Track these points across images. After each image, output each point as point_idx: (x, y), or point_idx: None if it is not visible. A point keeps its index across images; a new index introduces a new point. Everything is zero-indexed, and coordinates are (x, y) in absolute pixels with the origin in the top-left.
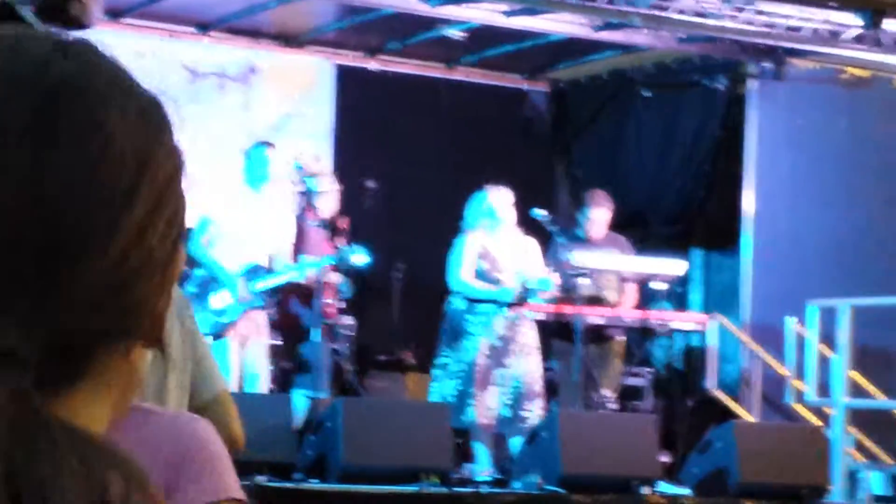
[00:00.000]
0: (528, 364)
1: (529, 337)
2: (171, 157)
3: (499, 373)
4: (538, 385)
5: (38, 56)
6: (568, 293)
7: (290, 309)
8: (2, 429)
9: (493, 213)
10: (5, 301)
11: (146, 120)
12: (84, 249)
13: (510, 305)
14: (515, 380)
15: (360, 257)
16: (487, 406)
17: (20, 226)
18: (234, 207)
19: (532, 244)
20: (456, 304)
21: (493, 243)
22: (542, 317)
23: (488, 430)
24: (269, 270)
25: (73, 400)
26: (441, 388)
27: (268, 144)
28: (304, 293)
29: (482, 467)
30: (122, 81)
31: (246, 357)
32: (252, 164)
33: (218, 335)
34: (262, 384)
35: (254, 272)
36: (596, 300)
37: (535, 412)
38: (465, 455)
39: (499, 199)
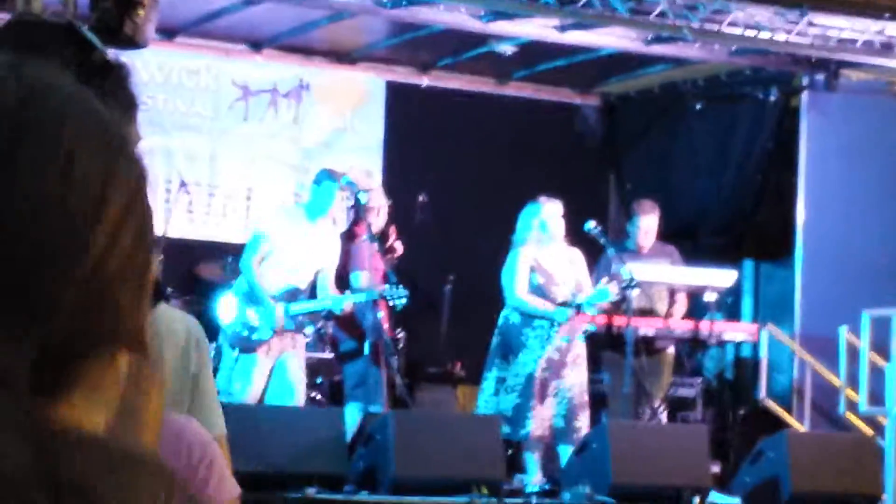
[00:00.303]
0: (579, 374)
1: (582, 347)
2: (134, 169)
3: (556, 384)
4: (586, 395)
5: None
6: (619, 304)
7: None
8: (19, 441)
9: (544, 225)
10: None
11: (106, 135)
12: (58, 266)
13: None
14: (569, 390)
15: (400, 299)
16: (543, 418)
17: None
18: (284, 223)
19: (577, 255)
20: (512, 317)
21: (545, 256)
22: (592, 328)
23: (542, 441)
24: (309, 296)
25: (69, 408)
26: (497, 401)
27: (339, 182)
28: (344, 316)
29: (532, 478)
30: (79, 98)
31: (281, 369)
32: (318, 195)
33: (248, 350)
34: (299, 396)
35: (292, 295)
36: (647, 311)
37: (585, 422)
38: (516, 466)
39: (551, 212)
